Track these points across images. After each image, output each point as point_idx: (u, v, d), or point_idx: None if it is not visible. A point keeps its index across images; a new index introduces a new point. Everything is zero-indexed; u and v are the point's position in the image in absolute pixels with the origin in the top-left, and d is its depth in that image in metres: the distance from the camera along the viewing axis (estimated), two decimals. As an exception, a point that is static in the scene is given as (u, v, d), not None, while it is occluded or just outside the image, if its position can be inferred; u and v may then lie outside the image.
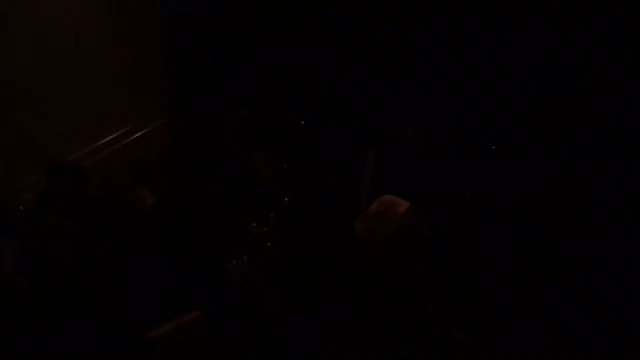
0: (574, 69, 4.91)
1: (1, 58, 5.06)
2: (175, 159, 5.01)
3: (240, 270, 3.39)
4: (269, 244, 3.30)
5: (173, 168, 4.86)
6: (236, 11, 6.13)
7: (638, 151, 4.62)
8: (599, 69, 4.81)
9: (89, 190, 4.21)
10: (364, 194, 4.51)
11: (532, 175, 4.88)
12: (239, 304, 3.43)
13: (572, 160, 4.84)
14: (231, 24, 6.15)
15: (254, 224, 3.48)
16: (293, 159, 4.27)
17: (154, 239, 4.00)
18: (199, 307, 3.34)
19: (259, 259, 3.34)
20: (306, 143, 5.05)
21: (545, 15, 5.05)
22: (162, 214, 4.29)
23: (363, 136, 5.08)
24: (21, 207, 4.07)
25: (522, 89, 5.17)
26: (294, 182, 3.61)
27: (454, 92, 5.36)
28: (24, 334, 3.20)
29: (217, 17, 6.17)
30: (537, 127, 5.08)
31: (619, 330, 3.48)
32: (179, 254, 3.87)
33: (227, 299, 3.50)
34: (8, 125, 5.04)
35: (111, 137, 5.90)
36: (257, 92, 5.76)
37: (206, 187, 4.49)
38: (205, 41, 6.23)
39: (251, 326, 3.35)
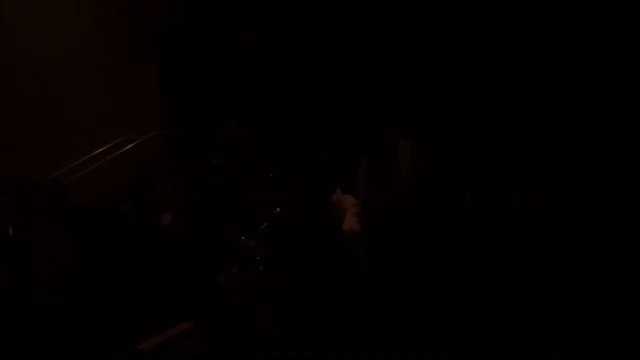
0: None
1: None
2: (167, 170, 5.02)
3: (230, 283, 3.40)
4: (258, 257, 3.30)
5: (165, 180, 4.87)
6: (228, 25, 6.19)
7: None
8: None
9: (74, 203, 4.20)
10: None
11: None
12: (230, 316, 3.43)
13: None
14: (224, 37, 6.21)
15: (243, 237, 3.49)
16: (283, 170, 4.31)
17: (144, 250, 4.01)
18: (189, 318, 3.34)
19: (249, 271, 3.34)
20: (296, 154, 5.08)
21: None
22: (155, 226, 4.31)
23: (354, 143, 5.13)
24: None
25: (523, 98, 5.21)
26: (284, 193, 3.63)
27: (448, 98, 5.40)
28: (10, 345, 3.19)
29: (210, 31, 6.23)
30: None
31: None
32: (170, 265, 3.88)
33: (217, 311, 3.50)
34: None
35: (103, 148, 5.92)
36: (249, 105, 5.80)
37: (198, 199, 4.51)
38: (198, 54, 6.28)
39: (242, 338, 3.34)
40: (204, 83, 6.24)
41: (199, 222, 4.11)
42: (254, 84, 6.02)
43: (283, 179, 3.93)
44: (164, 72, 6.35)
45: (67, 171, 5.45)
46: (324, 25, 5.85)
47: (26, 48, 5.36)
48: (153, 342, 3.10)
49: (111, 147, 5.91)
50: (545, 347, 3.42)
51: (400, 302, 3.93)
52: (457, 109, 5.30)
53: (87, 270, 3.65)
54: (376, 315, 3.47)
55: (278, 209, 3.33)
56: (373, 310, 3.54)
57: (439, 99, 5.36)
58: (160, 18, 6.35)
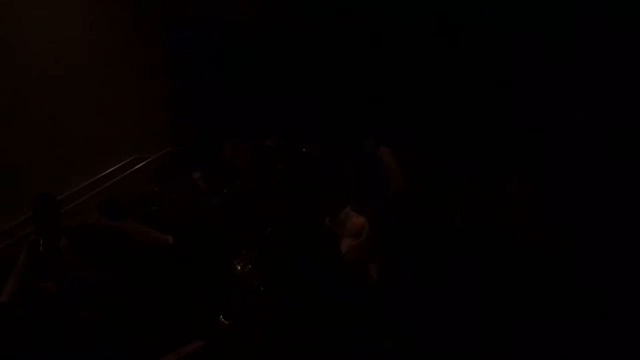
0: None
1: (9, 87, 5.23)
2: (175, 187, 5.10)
3: (236, 303, 3.43)
4: (255, 282, 3.31)
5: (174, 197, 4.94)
6: (231, 47, 6.33)
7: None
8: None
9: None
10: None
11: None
12: (240, 333, 3.47)
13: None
14: (228, 58, 6.34)
15: (239, 263, 3.46)
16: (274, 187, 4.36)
17: (155, 268, 4.07)
18: (200, 337, 3.39)
19: (249, 295, 3.36)
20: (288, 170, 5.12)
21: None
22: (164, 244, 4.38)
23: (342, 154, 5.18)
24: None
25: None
26: (274, 211, 3.66)
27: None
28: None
29: (215, 52, 6.36)
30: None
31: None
32: (179, 283, 3.94)
33: (227, 328, 3.54)
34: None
35: (117, 166, 6.02)
36: (250, 123, 5.91)
37: (204, 213, 4.58)
38: (205, 74, 6.42)
39: (251, 356, 3.39)
40: (210, 103, 6.37)
41: (207, 239, 4.18)
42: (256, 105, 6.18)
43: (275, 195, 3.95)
44: (173, 92, 6.45)
45: (80, 190, 5.55)
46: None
47: (35, 68, 5.46)
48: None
49: (124, 165, 5.99)
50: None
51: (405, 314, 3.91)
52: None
53: (94, 286, 3.72)
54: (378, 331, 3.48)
55: (268, 228, 3.34)
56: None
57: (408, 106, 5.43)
58: (169, 40, 6.48)
